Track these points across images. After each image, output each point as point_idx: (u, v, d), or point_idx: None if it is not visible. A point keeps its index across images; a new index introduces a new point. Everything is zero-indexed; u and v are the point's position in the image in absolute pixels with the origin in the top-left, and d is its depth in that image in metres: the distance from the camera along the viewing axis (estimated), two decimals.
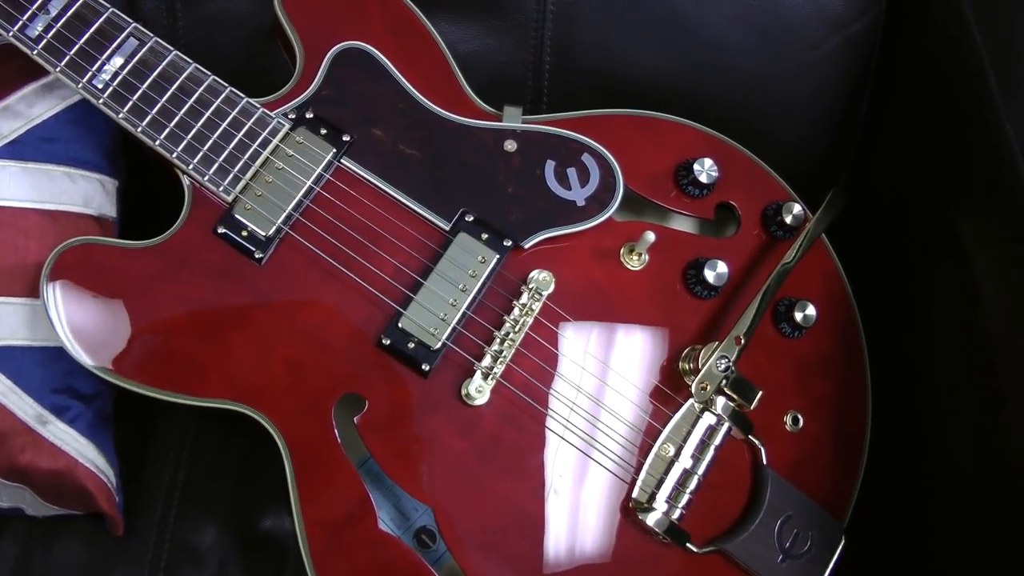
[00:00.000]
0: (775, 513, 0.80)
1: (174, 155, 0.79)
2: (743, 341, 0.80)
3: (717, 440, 0.80)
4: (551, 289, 0.80)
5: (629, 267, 0.83)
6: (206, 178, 0.79)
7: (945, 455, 0.84)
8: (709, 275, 0.82)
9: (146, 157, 0.82)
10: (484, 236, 0.80)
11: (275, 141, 0.80)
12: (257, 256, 0.78)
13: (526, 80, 0.94)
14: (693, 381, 0.80)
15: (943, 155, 0.89)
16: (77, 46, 0.80)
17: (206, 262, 0.78)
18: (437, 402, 0.77)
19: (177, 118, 0.79)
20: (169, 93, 0.80)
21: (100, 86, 0.80)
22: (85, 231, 0.83)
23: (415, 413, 0.77)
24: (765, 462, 0.81)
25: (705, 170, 0.85)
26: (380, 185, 0.81)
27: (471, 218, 0.81)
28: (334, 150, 0.80)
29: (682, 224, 0.87)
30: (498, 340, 0.78)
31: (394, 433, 0.77)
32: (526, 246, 0.81)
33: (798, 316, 0.84)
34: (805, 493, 0.82)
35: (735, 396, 0.80)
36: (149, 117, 0.79)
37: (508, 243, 0.80)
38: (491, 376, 0.77)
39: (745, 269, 0.86)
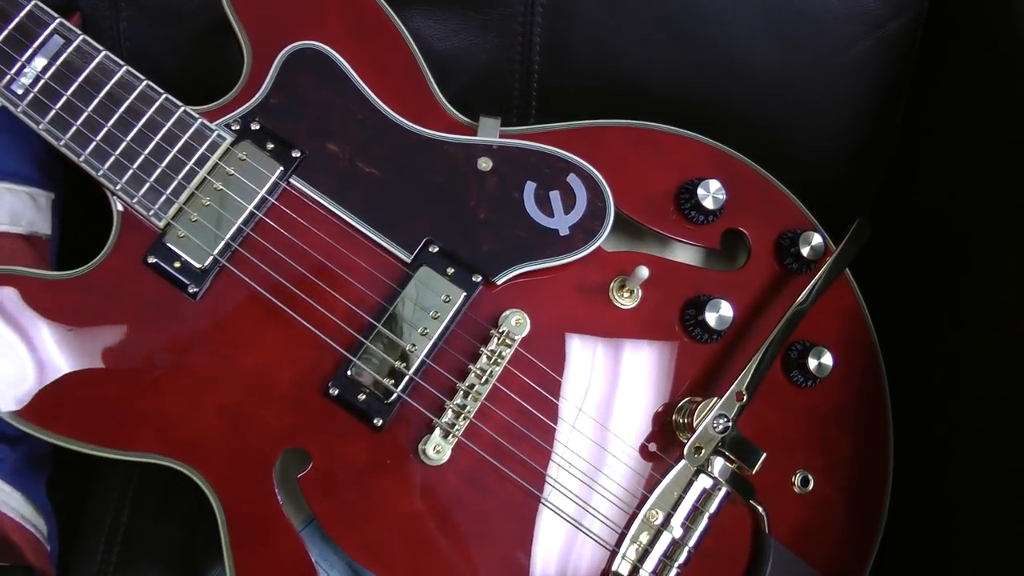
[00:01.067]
0: None
1: (100, 173, 0.70)
2: (745, 398, 0.70)
3: (712, 507, 0.71)
4: (525, 333, 0.70)
5: (619, 305, 0.73)
6: (135, 201, 0.69)
7: (976, 528, 0.74)
8: (710, 318, 0.72)
9: None
10: (450, 271, 0.70)
11: (214, 158, 0.70)
12: (191, 290, 0.69)
13: (512, 83, 0.83)
14: (687, 439, 0.70)
15: (991, 175, 0.78)
16: None
17: (135, 296, 0.69)
18: (391, 460, 0.68)
19: (104, 131, 0.70)
20: (96, 101, 0.70)
21: (20, 92, 0.70)
22: (11, 252, 0.74)
23: (366, 472, 0.68)
24: (767, 530, 0.72)
25: (711, 194, 0.74)
26: (333, 209, 0.71)
27: (436, 249, 0.71)
28: (281, 168, 0.71)
29: (683, 254, 0.77)
30: (461, 393, 0.69)
31: (342, 493, 0.68)
32: (499, 282, 0.71)
33: (812, 364, 0.74)
34: (813, 565, 0.72)
35: (734, 458, 0.70)
36: (73, 129, 0.70)
37: (477, 279, 0.70)
38: (452, 434, 0.68)
39: (754, 307, 0.76)
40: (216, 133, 0.71)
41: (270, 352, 0.69)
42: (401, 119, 0.73)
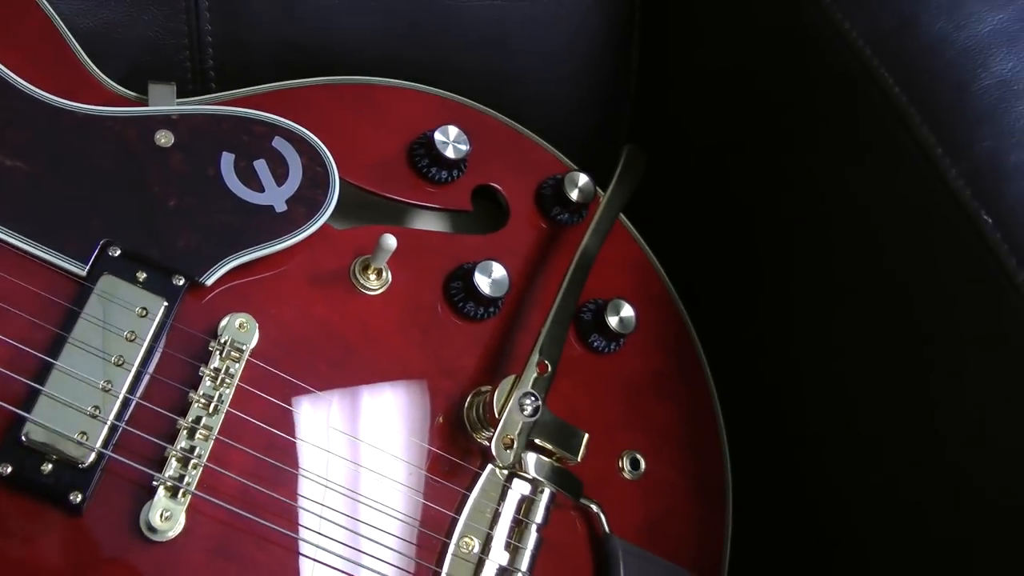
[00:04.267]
0: None
1: None
2: (549, 368, 0.56)
3: (538, 516, 0.57)
4: (254, 341, 0.53)
5: (367, 291, 0.58)
6: None
7: (823, 469, 0.64)
8: (483, 284, 0.59)
9: None
10: (141, 276, 0.52)
11: None
12: None
13: (182, 63, 0.67)
14: (489, 437, 0.55)
15: (745, 89, 0.69)
16: None
17: None
18: (105, 549, 0.49)
19: None
20: None
21: None
22: None
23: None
24: (608, 529, 0.59)
25: (451, 141, 0.62)
26: None
27: (117, 252, 0.52)
28: None
29: (432, 222, 0.63)
30: (186, 432, 0.50)
31: None
32: (208, 282, 0.54)
33: (612, 321, 0.63)
34: (668, 557, 0.60)
35: (553, 447, 0.56)
36: None
37: (180, 281, 0.53)
38: (183, 490, 0.49)
39: (528, 271, 0.63)
40: None
41: None
42: (45, 94, 0.54)
